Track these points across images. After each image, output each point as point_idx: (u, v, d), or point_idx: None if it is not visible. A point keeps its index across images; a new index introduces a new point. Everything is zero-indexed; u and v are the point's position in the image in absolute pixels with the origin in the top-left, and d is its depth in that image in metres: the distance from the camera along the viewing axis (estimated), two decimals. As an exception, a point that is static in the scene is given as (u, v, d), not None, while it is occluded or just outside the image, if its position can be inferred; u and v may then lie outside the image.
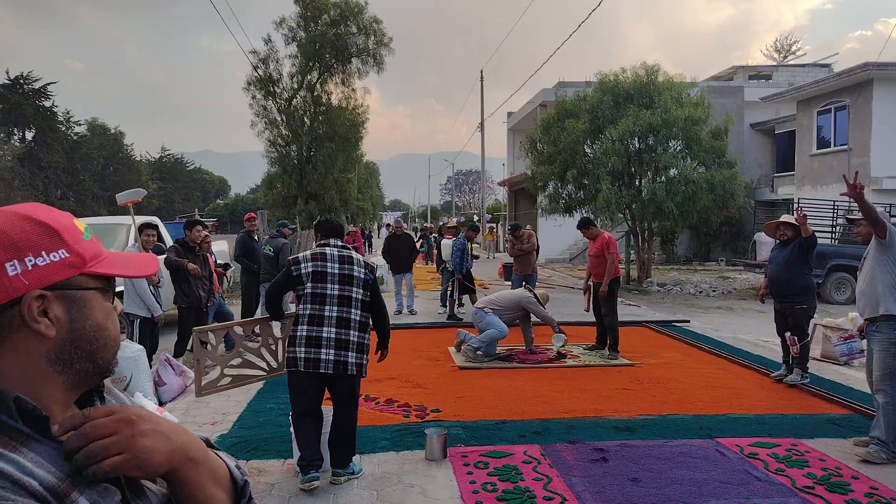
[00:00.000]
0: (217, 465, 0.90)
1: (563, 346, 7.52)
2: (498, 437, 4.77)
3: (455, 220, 13.96)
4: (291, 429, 4.14)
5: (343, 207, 25.64)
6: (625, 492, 3.79)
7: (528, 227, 11.78)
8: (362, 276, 3.99)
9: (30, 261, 0.80)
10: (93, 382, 0.89)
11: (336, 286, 3.89)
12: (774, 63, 40.73)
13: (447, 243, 11.97)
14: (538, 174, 16.46)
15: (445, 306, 11.24)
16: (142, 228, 6.63)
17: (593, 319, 8.09)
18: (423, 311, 11.14)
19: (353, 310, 3.92)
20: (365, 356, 3.98)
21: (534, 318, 7.77)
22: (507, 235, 11.09)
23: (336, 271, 3.91)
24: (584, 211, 15.58)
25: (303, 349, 3.83)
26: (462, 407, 5.54)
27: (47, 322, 0.81)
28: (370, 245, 32.95)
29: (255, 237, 9.23)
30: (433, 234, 22.45)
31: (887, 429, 4.29)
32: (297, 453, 4.11)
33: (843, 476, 4.01)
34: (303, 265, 3.92)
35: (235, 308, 9.25)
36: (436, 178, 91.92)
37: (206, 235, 7.51)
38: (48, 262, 0.81)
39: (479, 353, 7.39)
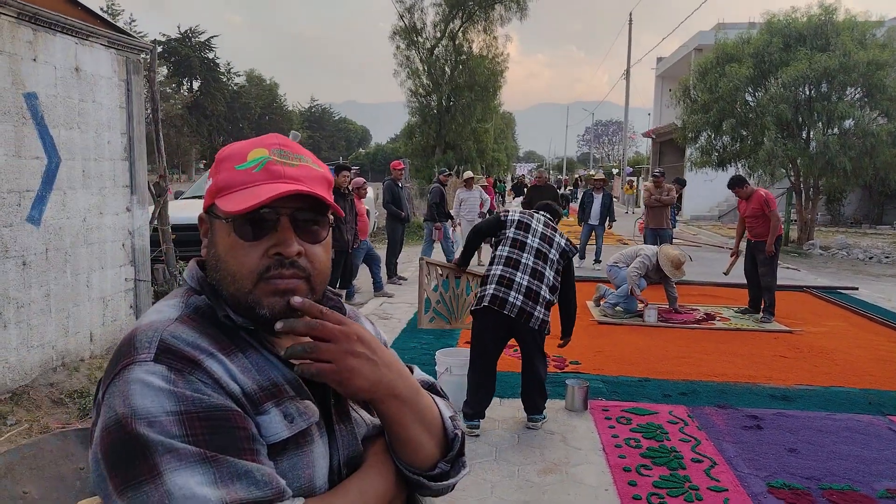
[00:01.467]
0: (427, 410, 0.90)
1: (654, 321, 6.90)
2: (641, 394, 4.66)
3: (600, 172, 13.38)
4: (441, 378, 4.29)
5: (479, 158, 25.68)
6: (781, 461, 3.57)
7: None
8: (555, 258, 3.97)
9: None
10: (260, 321, 0.84)
11: (532, 256, 3.91)
12: None
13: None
14: (690, 124, 15.40)
15: (583, 258, 11.06)
16: (338, 169, 7.29)
17: (744, 281, 7.57)
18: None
19: (548, 271, 3.92)
20: (548, 314, 3.89)
21: (677, 278, 7.38)
22: (647, 183, 10.50)
23: (536, 244, 3.95)
24: (739, 165, 14.45)
25: (493, 286, 3.81)
26: (602, 361, 5.46)
27: (206, 241, 0.89)
28: (503, 198, 32.67)
29: (400, 184, 9.50)
30: (569, 188, 21.89)
31: None
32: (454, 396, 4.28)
33: None
34: (509, 219, 4.04)
35: (381, 251, 9.66)
36: (573, 129, 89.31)
37: (364, 182, 8.18)
38: (209, 187, 0.89)
39: (617, 308, 7.21)
